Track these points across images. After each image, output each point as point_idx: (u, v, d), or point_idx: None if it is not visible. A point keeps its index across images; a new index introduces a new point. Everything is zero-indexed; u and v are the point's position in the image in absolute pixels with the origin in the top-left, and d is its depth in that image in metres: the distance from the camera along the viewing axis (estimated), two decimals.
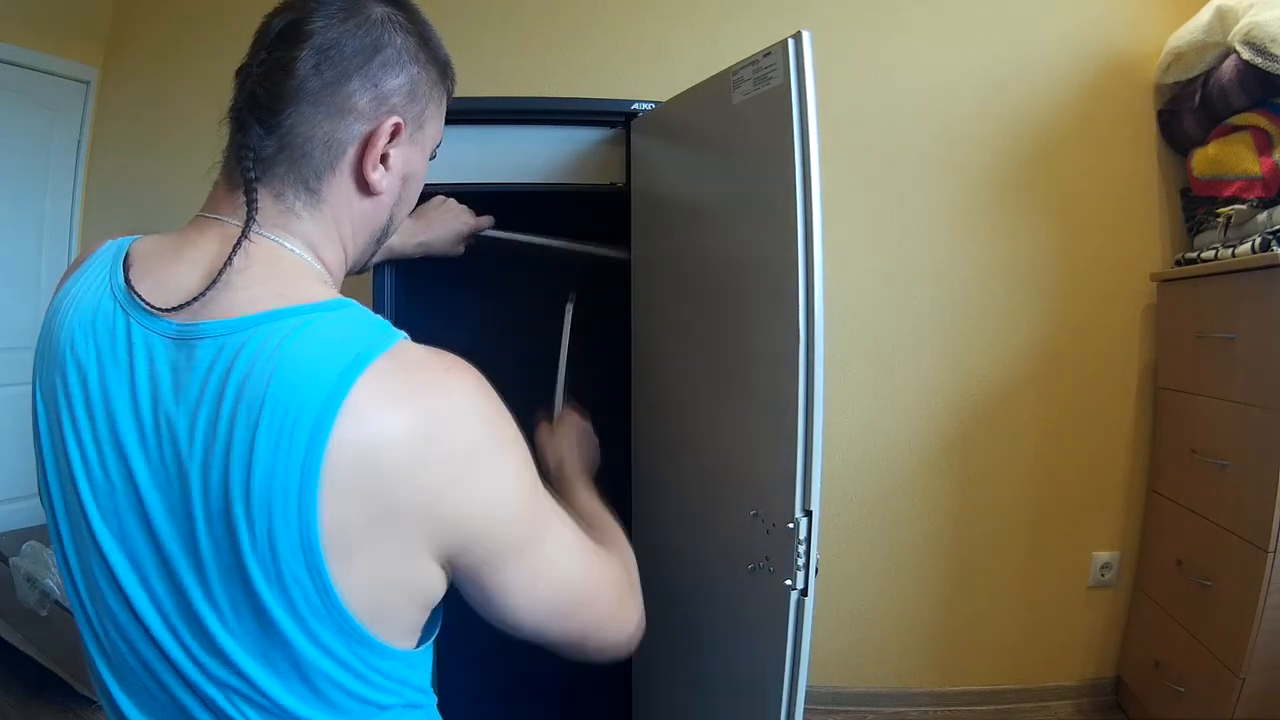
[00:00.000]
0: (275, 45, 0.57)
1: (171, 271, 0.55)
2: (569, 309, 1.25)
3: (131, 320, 0.53)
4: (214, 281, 0.52)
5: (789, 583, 0.98)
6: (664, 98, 1.30)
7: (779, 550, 1.01)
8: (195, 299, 0.51)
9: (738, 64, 1.05)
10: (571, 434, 1.07)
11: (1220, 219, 1.77)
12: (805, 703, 1.03)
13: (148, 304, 0.53)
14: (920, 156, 2.00)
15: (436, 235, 1.21)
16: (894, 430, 2.04)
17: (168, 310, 0.52)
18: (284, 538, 0.48)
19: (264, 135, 0.56)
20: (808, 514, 0.98)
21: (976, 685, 2.09)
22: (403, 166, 0.63)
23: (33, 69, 2.08)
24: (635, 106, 1.36)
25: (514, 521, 0.56)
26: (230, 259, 0.53)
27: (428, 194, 1.42)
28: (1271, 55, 1.54)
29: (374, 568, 0.50)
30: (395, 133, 0.60)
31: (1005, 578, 2.07)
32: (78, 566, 0.55)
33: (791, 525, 0.98)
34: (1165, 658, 1.82)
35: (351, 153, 0.59)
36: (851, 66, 1.98)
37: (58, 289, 0.60)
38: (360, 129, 0.58)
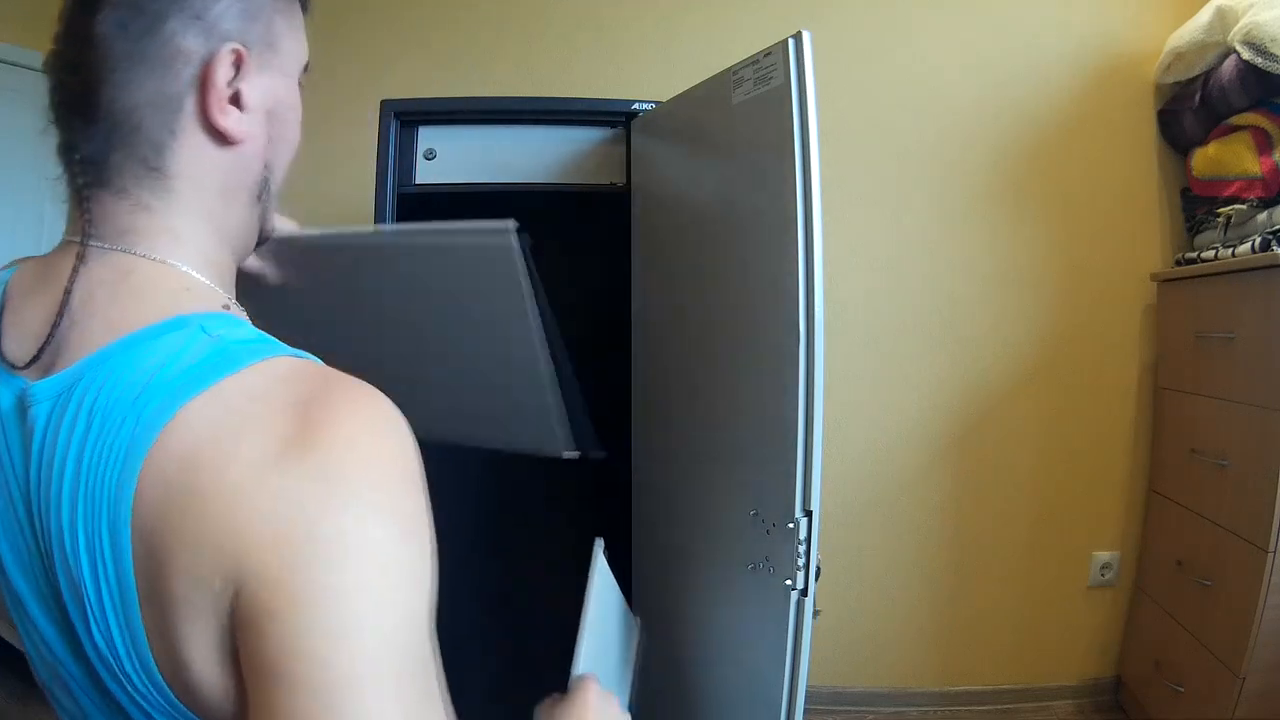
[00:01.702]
0: (71, 20, 0.47)
1: (27, 312, 0.47)
2: (598, 552, 0.92)
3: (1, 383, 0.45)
4: (49, 335, 0.43)
5: (789, 583, 0.98)
6: (664, 98, 1.30)
7: (779, 550, 1.01)
8: (34, 358, 0.43)
9: (738, 64, 1.05)
10: (584, 715, 0.68)
11: (1220, 219, 1.77)
12: (805, 703, 1.03)
13: (6, 361, 0.45)
14: (920, 156, 2.00)
15: None
16: (894, 430, 2.04)
17: (16, 369, 0.44)
18: (114, 620, 0.40)
19: (86, 127, 0.46)
20: (808, 514, 0.98)
21: (976, 685, 2.09)
22: (263, 100, 0.51)
23: (33, 69, 2.08)
24: (635, 106, 1.36)
25: (358, 650, 0.36)
26: (67, 294, 0.44)
27: (430, 195, 1.43)
28: (1271, 55, 1.54)
29: (177, 659, 0.40)
30: (238, 62, 0.48)
31: (1005, 578, 2.07)
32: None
33: (791, 525, 0.98)
34: (1165, 658, 1.81)
35: (191, 103, 0.48)
36: (851, 66, 1.98)
37: None
38: (192, 71, 0.47)
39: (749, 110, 1.04)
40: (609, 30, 2.02)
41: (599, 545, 0.92)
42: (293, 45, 0.54)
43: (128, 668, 0.41)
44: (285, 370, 0.43)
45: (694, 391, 1.25)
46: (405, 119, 1.39)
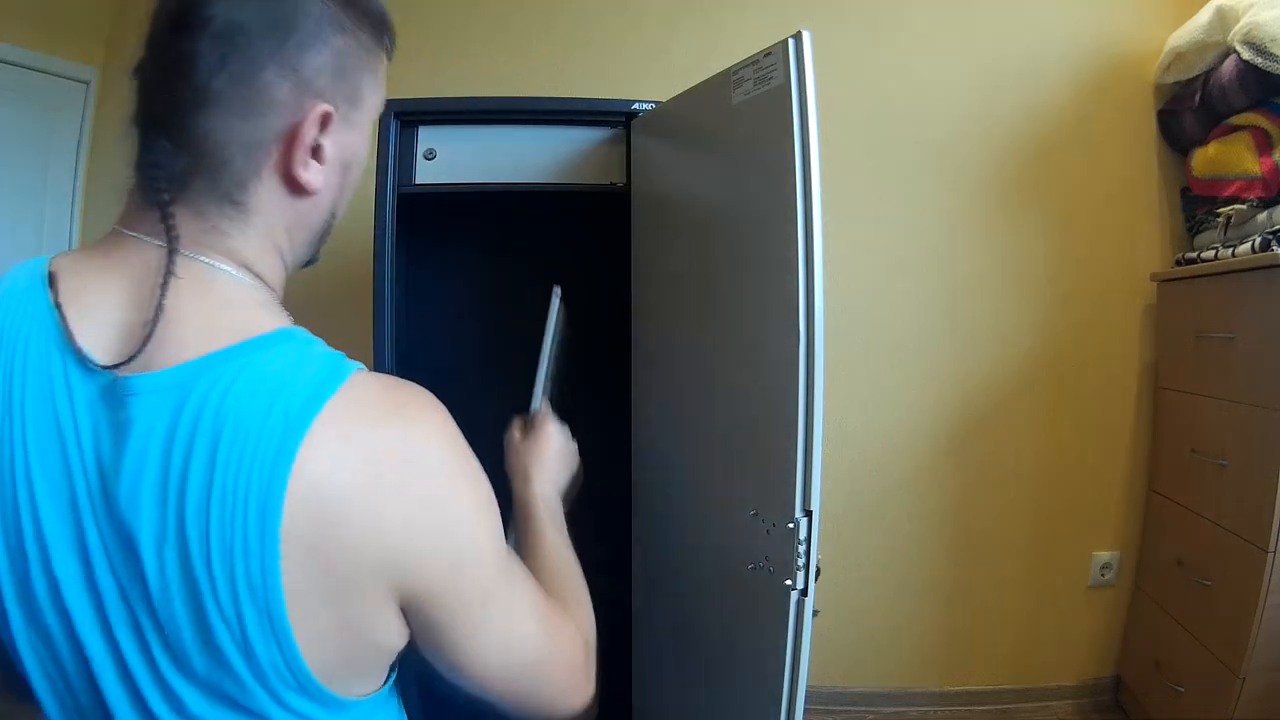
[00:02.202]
0: (168, 38, 0.48)
1: (91, 303, 0.49)
2: (555, 299, 1.08)
3: (69, 369, 0.48)
4: (148, 335, 0.46)
5: (789, 583, 0.98)
6: (664, 98, 1.30)
7: (779, 550, 1.00)
8: (135, 354, 0.46)
9: (738, 64, 1.05)
10: (546, 445, 0.89)
11: (1220, 219, 1.77)
12: (805, 703, 1.03)
13: (82, 350, 0.47)
14: (920, 156, 2.00)
15: None
16: (894, 430, 2.04)
17: (107, 365, 0.47)
18: (249, 606, 0.45)
19: (173, 149, 0.49)
20: (808, 514, 0.98)
21: (976, 685, 2.09)
22: (340, 155, 0.55)
23: (33, 69, 2.08)
24: (635, 106, 1.36)
25: (476, 573, 0.53)
26: (161, 299, 0.47)
27: (430, 195, 1.43)
28: (1271, 55, 1.54)
29: (338, 628, 0.48)
30: (325, 121, 0.52)
31: (1005, 578, 2.07)
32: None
33: (791, 525, 0.98)
34: (1165, 657, 1.81)
35: (276, 153, 0.51)
36: (851, 66, 1.98)
37: None
38: (282, 124, 0.50)
39: (749, 110, 1.04)
40: (609, 30, 2.02)
41: (556, 292, 1.07)
42: (374, 100, 0.58)
43: (255, 639, 0.46)
44: (369, 380, 0.50)
45: (694, 391, 1.25)
46: (405, 119, 1.39)
